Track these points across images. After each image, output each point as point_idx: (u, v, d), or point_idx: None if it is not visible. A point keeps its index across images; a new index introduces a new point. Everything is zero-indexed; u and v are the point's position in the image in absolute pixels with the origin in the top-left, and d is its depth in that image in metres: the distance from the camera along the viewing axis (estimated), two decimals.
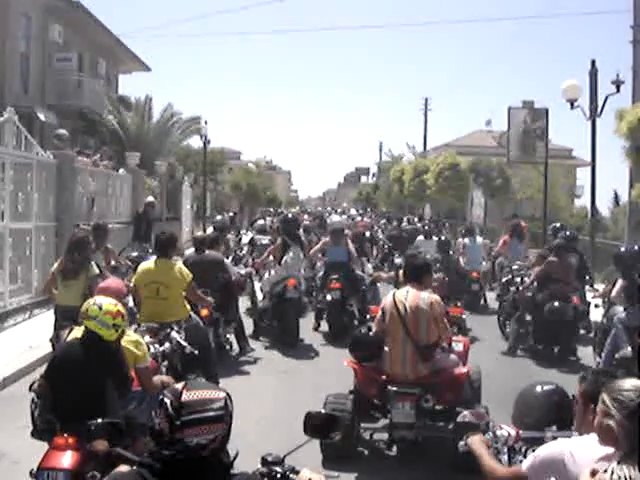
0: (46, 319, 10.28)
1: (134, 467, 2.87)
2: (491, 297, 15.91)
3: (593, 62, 17.82)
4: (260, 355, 10.92)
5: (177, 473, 2.69)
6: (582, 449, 3.24)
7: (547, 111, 23.89)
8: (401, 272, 7.91)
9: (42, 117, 24.81)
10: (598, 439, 3.15)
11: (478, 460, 3.84)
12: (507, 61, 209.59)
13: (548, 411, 4.12)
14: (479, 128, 50.72)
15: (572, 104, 17.60)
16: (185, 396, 2.72)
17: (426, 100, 49.46)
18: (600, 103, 17.33)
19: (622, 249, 10.71)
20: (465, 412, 4.44)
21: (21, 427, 5.89)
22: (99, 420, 4.45)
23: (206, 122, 31.59)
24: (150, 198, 20.16)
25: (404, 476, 6.50)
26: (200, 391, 2.76)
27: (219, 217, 20.66)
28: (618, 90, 17.15)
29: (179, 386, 2.80)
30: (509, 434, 4.04)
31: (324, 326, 12.79)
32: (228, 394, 2.83)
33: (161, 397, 2.77)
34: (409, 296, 6.72)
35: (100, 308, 5.06)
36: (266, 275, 12.74)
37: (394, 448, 6.81)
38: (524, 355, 11.41)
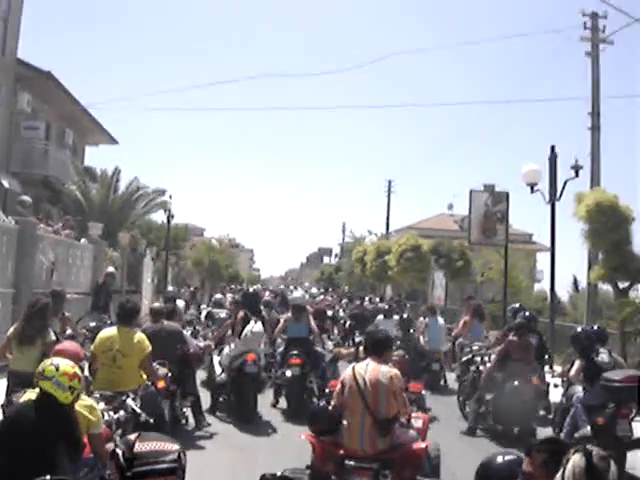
0: None
1: None
2: (451, 378, 15.87)
3: (552, 148, 18.25)
4: (216, 430, 10.71)
5: None
6: None
7: (507, 195, 24.25)
8: (362, 348, 7.87)
9: (5, 184, 24.72)
10: None
11: None
12: (470, 144, 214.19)
13: None
14: (441, 212, 51.56)
15: (532, 188, 17.97)
16: (138, 447, 2.64)
17: (389, 182, 50.16)
18: (559, 187, 17.71)
19: (579, 329, 10.79)
20: None
21: None
22: (47, 477, 4.30)
23: (170, 197, 31.65)
24: (110, 269, 20.00)
25: None
26: (153, 442, 2.69)
27: (170, 288, 20.70)
28: (577, 175, 17.57)
29: (132, 437, 2.73)
30: None
31: (282, 403, 12.63)
32: (182, 449, 2.76)
33: (113, 448, 2.70)
34: (369, 369, 6.68)
35: (57, 369, 4.95)
36: (226, 349, 12.55)
37: None
38: (484, 435, 11.33)
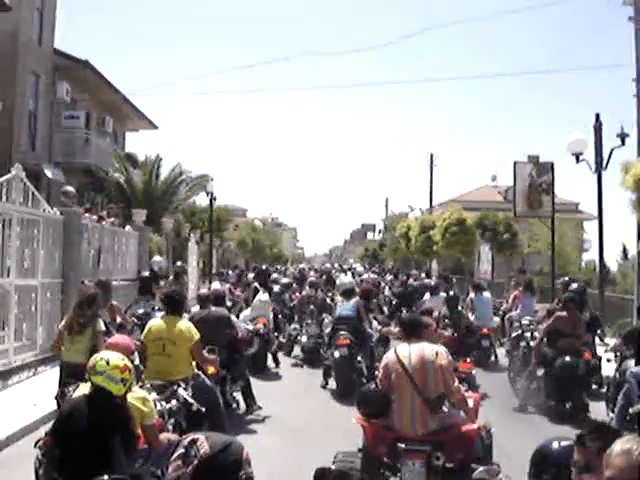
0: (51, 376, 10.16)
1: None
2: (501, 353, 15.74)
3: (597, 116, 17.84)
4: (267, 413, 10.73)
5: None
6: None
7: (552, 165, 23.85)
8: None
9: (49, 174, 25.01)
10: None
11: None
12: (512, 116, 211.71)
13: (566, 467, 4.01)
14: (485, 183, 51.02)
15: (577, 158, 17.58)
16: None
17: (431, 156, 49.56)
18: (605, 156, 17.32)
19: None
20: (480, 468, 4.31)
21: None
22: (105, 477, 4.34)
23: (212, 179, 31.61)
24: (157, 258, 20.13)
25: None
26: None
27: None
28: (623, 143, 17.13)
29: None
30: None
31: (332, 384, 12.63)
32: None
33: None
34: (412, 350, 6.60)
35: (107, 363, 5.00)
36: (240, 315, 15.00)
37: None
38: (535, 412, 11.20)
